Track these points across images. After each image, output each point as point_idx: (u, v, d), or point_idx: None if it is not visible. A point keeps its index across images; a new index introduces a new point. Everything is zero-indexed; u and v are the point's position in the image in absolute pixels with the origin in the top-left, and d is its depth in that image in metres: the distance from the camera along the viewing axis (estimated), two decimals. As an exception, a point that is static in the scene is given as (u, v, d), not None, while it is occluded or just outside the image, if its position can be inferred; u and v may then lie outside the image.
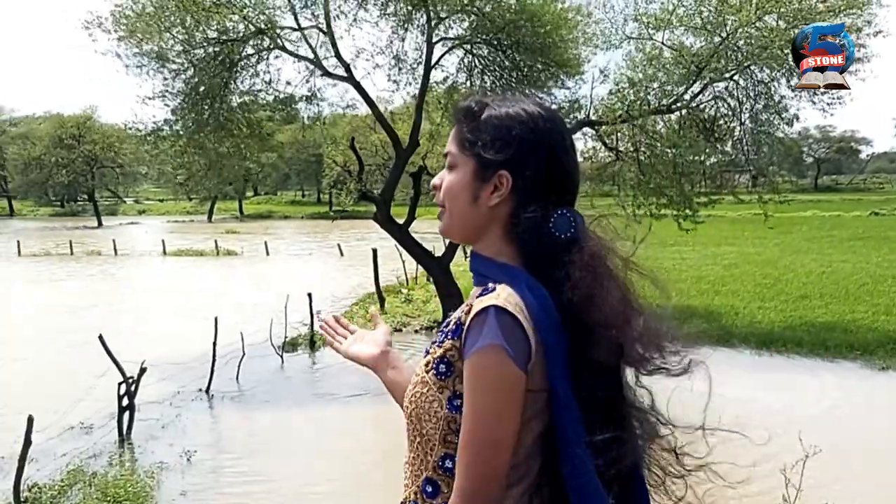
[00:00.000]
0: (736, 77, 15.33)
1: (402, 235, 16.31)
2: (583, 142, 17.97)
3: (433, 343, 1.75)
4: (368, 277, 22.20)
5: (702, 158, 16.30)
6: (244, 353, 13.03)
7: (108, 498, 7.71)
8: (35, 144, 62.42)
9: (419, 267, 22.00)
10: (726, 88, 15.71)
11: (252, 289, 23.41)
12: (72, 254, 35.56)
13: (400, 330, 16.56)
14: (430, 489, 1.74)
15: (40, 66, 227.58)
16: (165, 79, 14.50)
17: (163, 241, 36.73)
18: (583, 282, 1.68)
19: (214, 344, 12.18)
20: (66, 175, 61.15)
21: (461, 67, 17.58)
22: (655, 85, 15.69)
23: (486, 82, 17.47)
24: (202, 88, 14.65)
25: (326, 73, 15.46)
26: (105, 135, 62.47)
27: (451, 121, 1.97)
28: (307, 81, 15.68)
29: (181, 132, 15.08)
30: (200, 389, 12.10)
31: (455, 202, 1.82)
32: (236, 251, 35.62)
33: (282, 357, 14.21)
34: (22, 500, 7.86)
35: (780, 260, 25.59)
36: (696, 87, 15.52)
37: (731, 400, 10.95)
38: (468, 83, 17.30)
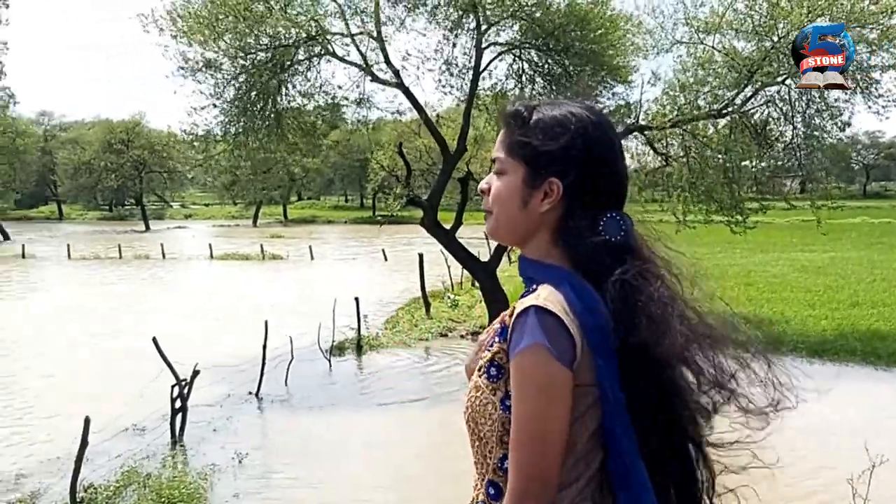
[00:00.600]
0: (788, 81, 15.13)
1: (448, 241, 16.31)
2: (633, 146, 17.86)
3: (484, 347, 1.77)
4: (414, 282, 22.24)
5: (753, 163, 16.12)
6: (293, 357, 13.09)
7: (163, 499, 7.78)
8: (85, 149, 63.44)
9: (465, 272, 22.03)
10: (778, 93, 15.52)
11: (298, 293, 23.53)
12: (121, 257, 36.02)
13: (446, 335, 16.58)
14: (492, 491, 1.74)
15: (89, 73, 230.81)
16: (218, 84, 14.65)
17: (209, 246, 37.07)
18: (633, 283, 1.68)
19: (265, 347, 12.25)
20: (115, 179, 62.02)
21: (510, 73, 17.58)
22: (706, 89, 15.54)
23: (534, 88, 17.45)
24: (254, 93, 14.77)
25: (376, 79, 15.53)
26: (153, 140, 63.29)
27: (498, 125, 1.92)
28: (357, 87, 15.77)
29: (231, 137, 15.21)
30: (250, 392, 12.17)
31: (504, 208, 1.82)
32: (282, 255, 35.87)
33: (329, 361, 14.26)
34: (78, 500, 7.96)
35: (829, 267, 25.22)
36: (748, 92, 15.34)
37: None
38: (516, 89, 17.28)
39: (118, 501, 8.06)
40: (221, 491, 8.38)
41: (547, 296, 1.64)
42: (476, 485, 1.80)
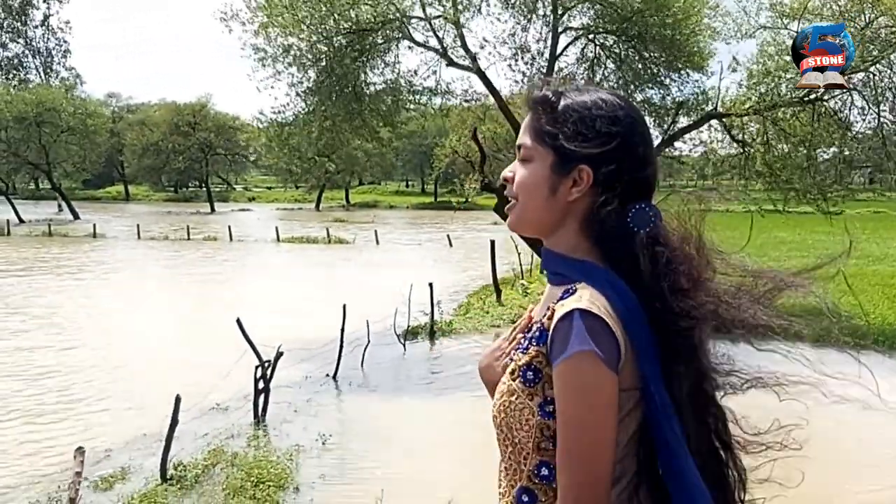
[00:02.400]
0: (873, 69, 14.78)
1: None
2: (706, 134, 17.63)
3: (516, 350, 1.70)
4: (481, 269, 22.28)
5: (836, 152, 15.82)
6: (369, 341, 13.17)
7: (252, 478, 7.86)
8: (152, 131, 64.38)
9: (535, 259, 21.95)
10: (861, 80, 15.17)
11: (368, 278, 23.66)
12: (189, 238, 36.56)
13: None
14: (526, 498, 1.67)
15: (155, 55, 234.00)
16: (299, 69, 14.75)
17: (276, 229, 37.42)
18: (665, 276, 1.62)
19: (342, 331, 12.33)
20: (182, 161, 62.92)
21: (581, 58, 17.44)
22: (788, 76, 15.23)
23: (605, 73, 17.29)
24: (333, 79, 14.82)
25: (452, 63, 15.48)
26: (219, 122, 64.07)
27: (524, 111, 1.83)
28: (434, 73, 15.76)
29: (312, 123, 15.31)
30: (328, 375, 12.27)
31: (531, 196, 1.74)
32: (347, 240, 36.08)
33: (404, 346, 14.30)
34: (168, 476, 8.09)
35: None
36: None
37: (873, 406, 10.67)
38: (588, 74, 17.12)
39: (207, 479, 8.16)
40: (307, 472, 8.43)
41: (590, 297, 1.58)
42: (503, 492, 1.74)
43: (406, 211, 64.39)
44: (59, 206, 55.66)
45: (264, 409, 10.19)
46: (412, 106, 16.60)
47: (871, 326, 14.62)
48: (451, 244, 33.36)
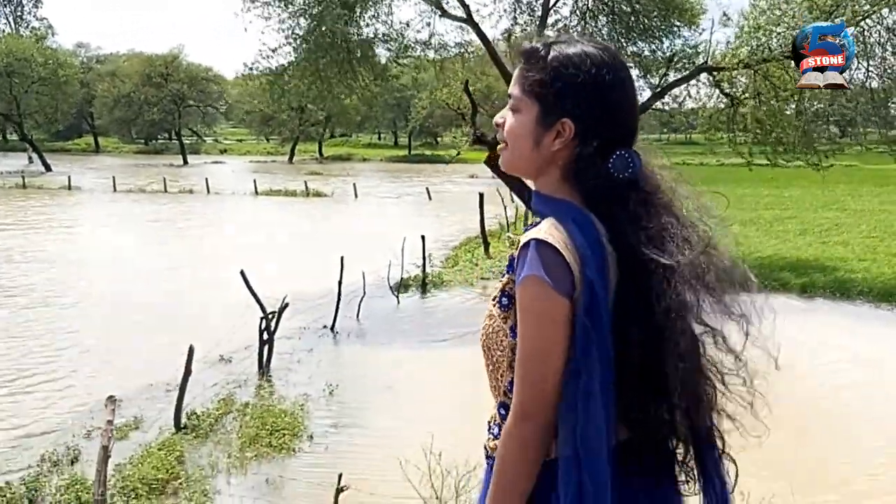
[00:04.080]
0: (865, 23, 14.86)
1: (512, 179, 16.25)
2: (695, 88, 17.69)
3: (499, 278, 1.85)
4: (461, 222, 22.34)
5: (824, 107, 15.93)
6: (365, 293, 13.21)
7: (267, 426, 7.93)
8: (124, 82, 63.26)
9: (519, 212, 22.05)
10: (855, 34, 15.21)
11: (352, 231, 23.62)
12: (165, 191, 36.20)
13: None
14: (503, 412, 1.84)
15: (125, 6, 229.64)
16: (290, 17, 14.60)
17: (254, 181, 37.12)
18: (641, 219, 1.75)
19: (340, 283, 12.36)
20: (156, 113, 62.04)
21: (574, 10, 17.39)
22: (780, 30, 15.27)
23: (597, 26, 17.26)
24: (324, 28, 14.65)
25: (446, 14, 15.38)
26: (192, 73, 63.22)
27: (515, 61, 1.93)
28: (428, 24, 15.65)
29: (304, 74, 15.16)
30: (325, 326, 12.29)
31: (517, 144, 1.86)
32: (326, 193, 35.87)
33: (398, 298, 14.37)
34: (182, 426, 8.14)
35: (879, 213, 24.84)
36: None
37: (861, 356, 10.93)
38: (580, 26, 17.09)
39: (220, 428, 8.22)
40: (318, 421, 8.51)
41: (548, 229, 1.71)
42: (493, 406, 1.93)
43: (380, 164, 64.02)
44: (30, 157, 54.72)
45: (268, 360, 10.24)
46: (406, 60, 16.44)
47: (855, 280, 14.83)
48: (430, 198, 33.32)
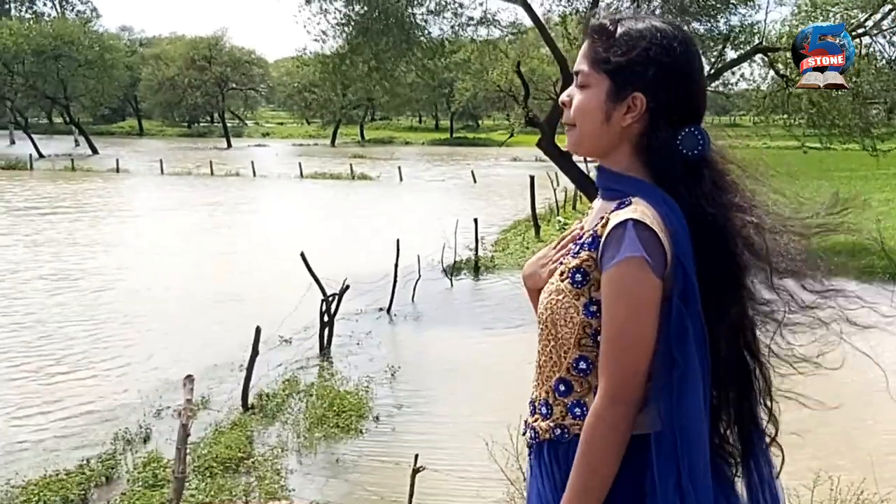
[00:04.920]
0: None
1: (564, 162, 16.21)
2: (749, 70, 17.51)
3: (567, 254, 1.85)
4: (509, 205, 22.32)
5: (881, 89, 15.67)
6: (420, 276, 13.27)
7: (335, 407, 8.02)
8: (168, 66, 63.79)
9: (567, 195, 22.00)
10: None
11: (400, 213, 23.73)
12: (212, 174, 36.56)
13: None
14: (562, 388, 1.84)
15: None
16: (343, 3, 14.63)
17: (299, 165, 37.35)
18: (710, 197, 1.74)
19: (396, 265, 12.46)
20: (199, 96, 62.53)
21: (626, -13, 17.20)
22: (836, 9, 15.07)
23: (653, 6, 17.08)
24: (377, 13, 14.66)
25: (497, -7, 15.36)
26: (235, 57, 63.62)
27: (582, 38, 1.92)
28: (481, 4, 15.60)
29: (360, 56, 15.18)
30: (381, 309, 12.38)
31: (586, 121, 1.84)
32: (371, 176, 36.04)
33: (451, 281, 14.41)
34: (249, 406, 8.25)
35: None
36: (883, 12, 14.83)
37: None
38: (633, 6, 16.93)
39: (287, 408, 8.32)
40: (382, 402, 8.58)
41: (644, 210, 1.70)
42: (537, 384, 1.91)
43: (422, 147, 64.13)
44: (76, 140, 55.43)
45: (329, 342, 10.33)
46: (463, 36, 16.36)
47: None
48: (475, 181, 33.31)
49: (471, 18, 15.82)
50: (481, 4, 15.64)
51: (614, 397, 1.70)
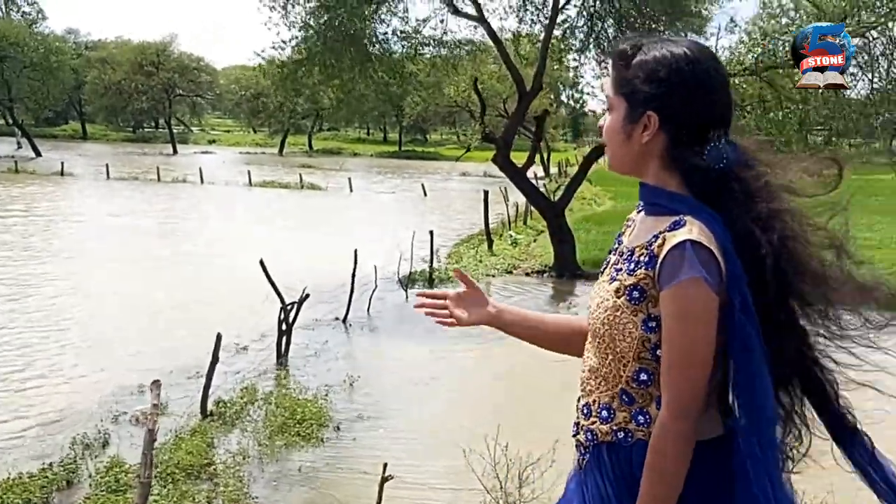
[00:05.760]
0: (871, 33, 15.03)
1: (519, 178, 16.38)
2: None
3: (619, 271, 1.95)
4: (460, 218, 22.44)
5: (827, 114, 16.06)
6: (376, 286, 13.32)
7: (296, 415, 8.02)
8: (115, 70, 62.93)
9: (518, 210, 22.19)
10: (860, 45, 15.40)
11: (351, 224, 23.66)
12: (159, 180, 36.15)
13: (511, 272, 16.76)
14: (626, 398, 1.94)
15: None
16: (306, 14, 14.64)
17: (248, 173, 37.11)
18: (743, 210, 1.84)
19: (353, 275, 12.48)
20: (145, 101, 61.81)
21: (581, 11, 17.48)
22: (786, 38, 15.45)
23: (604, 28, 17.37)
24: (337, 23, 14.68)
25: (457, 12, 15.48)
26: (183, 63, 63.03)
27: (608, 65, 2.10)
28: (442, 21, 15.74)
29: (317, 65, 15.17)
30: (337, 318, 12.41)
31: (612, 141, 2.00)
32: (320, 186, 35.90)
33: (406, 292, 14.47)
34: (208, 413, 8.22)
35: (873, 224, 24.93)
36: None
37: None
38: (586, 27, 17.22)
39: (246, 416, 8.30)
40: (343, 411, 8.59)
41: (699, 230, 1.79)
42: (592, 389, 2.02)
43: (371, 159, 64.02)
44: (18, 143, 54.34)
45: (286, 351, 10.32)
46: (425, 54, 16.47)
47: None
48: (425, 194, 33.39)
49: (432, 38, 15.95)
50: (442, 22, 15.78)
51: (679, 410, 1.82)
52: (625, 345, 1.91)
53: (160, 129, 71.52)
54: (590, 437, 2.01)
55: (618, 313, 1.91)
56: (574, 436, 2.08)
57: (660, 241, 1.85)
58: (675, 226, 1.84)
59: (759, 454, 1.80)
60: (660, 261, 1.83)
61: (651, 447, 1.86)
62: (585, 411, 2.04)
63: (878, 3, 14.43)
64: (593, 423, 2.01)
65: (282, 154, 63.72)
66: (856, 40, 15.26)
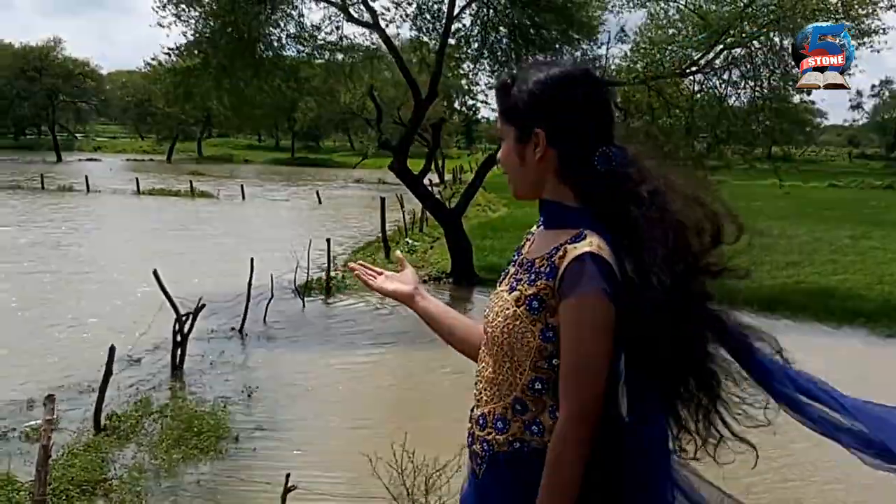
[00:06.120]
0: (753, 43, 15.61)
1: (415, 186, 16.43)
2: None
3: (519, 281, 2.00)
4: (356, 226, 22.37)
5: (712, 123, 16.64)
6: (273, 295, 13.19)
7: (194, 428, 7.87)
8: (-6, 75, 60.73)
9: (415, 218, 22.24)
10: (743, 55, 15.99)
11: (243, 231, 23.38)
12: (43, 188, 35.04)
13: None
14: (518, 407, 1.98)
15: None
16: (200, 18, 14.37)
17: (136, 180, 36.24)
18: (628, 215, 1.91)
19: (250, 284, 12.33)
20: (29, 108, 59.79)
21: (475, 21, 17.62)
22: (673, 47, 15.92)
23: (498, 36, 17.56)
24: (229, 29, 14.48)
25: (352, 19, 15.45)
26: (67, 69, 61.19)
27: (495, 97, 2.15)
28: (337, 28, 15.67)
29: (213, 71, 14.92)
30: (233, 329, 12.21)
31: (509, 168, 2.08)
32: (212, 193, 35.30)
33: (303, 301, 14.35)
34: (102, 427, 8.00)
35: (754, 226, 25.85)
36: (712, 54, 15.77)
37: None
38: (480, 37, 17.38)
39: (141, 429, 8.11)
40: (241, 423, 8.47)
41: (598, 243, 1.87)
42: (488, 399, 2.05)
43: (263, 166, 63.32)
44: None
45: (181, 362, 10.12)
46: (320, 60, 16.36)
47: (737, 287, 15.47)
48: (320, 201, 33.15)
49: (329, 42, 15.88)
50: (338, 28, 15.72)
51: (578, 418, 1.85)
52: (522, 353, 1.95)
53: (44, 136, 69.23)
54: (486, 448, 2.04)
55: (517, 322, 1.95)
56: (469, 446, 2.11)
57: (561, 252, 1.91)
58: (576, 238, 1.90)
59: (647, 447, 1.89)
60: (560, 272, 1.89)
61: (550, 452, 1.89)
62: (481, 422, 2.06)
63: (759, 15, 14.98)
64: (489, 433, 2.03)
65: (170, 161, 62.49)
66: (738, 50, 15.88)
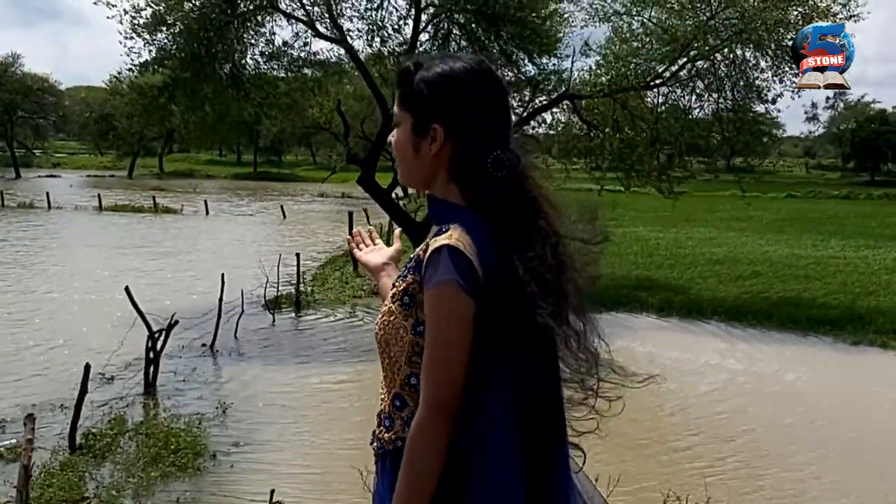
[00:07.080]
0: (717, 56, 15.83)
1: (384, 200, 16.47)
2: (560, 114, 18.42)
3: (398, 277, 2.01)
4: (322, 241, 22.35)
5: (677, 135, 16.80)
6: (243, 311, 13.16)
7: (171, 445, 7.85)
8: (-51, 90, 59.95)
9: (382, 231, 22.23)
10: (706, 67, 16.20)
11: (209, 247, 23.32)
12: (3, 205, 34.61)
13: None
14: (398, 403, 2.00)
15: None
16: (172, 38, 14.35)
17: (98, 196, 35.95)
18: (516, 220, 1.91)
19: (221, 300, 12.31)
20: (-16, 124, 59.17)
21: (437, 35, 17.72)
22: (638, 61, 16.10)
23: (464, 51, 17.65)
24: (196, 45, 14.45)
25: (319, 35, 15.49)
26: (26, 84, 60.55)
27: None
28: (306, 45, 15.71)
29: (184, 91, 14.86)
30: (204, 345, 12.17)
31: (402, 156, 2.04)
32: (175, 209, 35.11)
33: (273, 316, 14.33)
34: (77, 446, 7.95)
35: (716, 238, 26.28)
36: (679, 65, 15.97)
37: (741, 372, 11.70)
38: (444, 50, 17.46)
39: (117, 447, 8.07)
40: (218, 439, 8.46)
41: (458, 237, 1.85)
42: (384, 397, 2.05)
43: (225, 181, 63.07)
44: None
45: (154, 379, 10.08)
46: (289, 75, 16.35)
47: (705, 299, 15.74)
48: (285, 216, 33.08)
49: (300, 58, 15.89)
50: (306, 45, 15.76)
51: (434, 408, 1.84)
52: (398, 349, 1.96)
53: (1, 153, 68.37)
54: (380, 446, 2.05)
55: (392, 318, 1.96)
56: (371, 445, 2.10)
57: (424, 246, 1.91)
58: (440, 232, 1.90)
59: (491, 437, 1.85)
60: (423, 265, 1.88)
61: (406, 444, 1.89)
62: (378, 420, 2.07)
63: (722, 28, 15.22)
64: (381, 432, 2.04)
65: (131, 177, 62.10)
66: (702, 63, 16.11)
